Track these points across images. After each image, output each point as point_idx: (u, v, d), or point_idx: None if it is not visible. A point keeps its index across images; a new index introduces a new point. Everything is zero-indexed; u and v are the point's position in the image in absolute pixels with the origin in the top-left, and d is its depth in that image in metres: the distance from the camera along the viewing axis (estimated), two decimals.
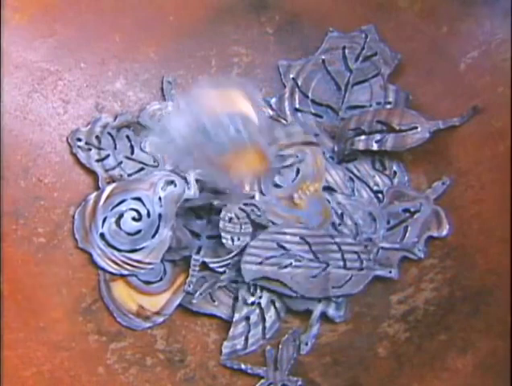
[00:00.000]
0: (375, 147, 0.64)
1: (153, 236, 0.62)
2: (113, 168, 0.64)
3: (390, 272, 0.62)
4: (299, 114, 0.68)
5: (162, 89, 0.67)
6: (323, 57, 0.68)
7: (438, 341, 0.59)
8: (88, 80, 0.66)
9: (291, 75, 0.68)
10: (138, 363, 0.61)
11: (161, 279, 0.63)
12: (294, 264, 0.60)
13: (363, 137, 0.64)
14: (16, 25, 0.62)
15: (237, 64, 0.68)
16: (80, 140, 0.64)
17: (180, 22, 0.67)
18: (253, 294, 0.62)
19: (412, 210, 0.64)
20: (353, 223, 0.64)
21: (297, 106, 0.68)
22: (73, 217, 0.63)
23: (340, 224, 0.64)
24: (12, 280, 0.59)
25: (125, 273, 0.62)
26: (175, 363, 0.62)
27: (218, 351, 0.62)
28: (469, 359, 0.57)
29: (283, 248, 0.61)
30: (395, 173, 0.66)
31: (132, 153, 0.65)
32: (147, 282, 0.63)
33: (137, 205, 0.62)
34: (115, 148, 0.65)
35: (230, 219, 0.61)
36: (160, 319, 0.62)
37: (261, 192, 0.64)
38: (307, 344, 0.62)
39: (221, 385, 0.61)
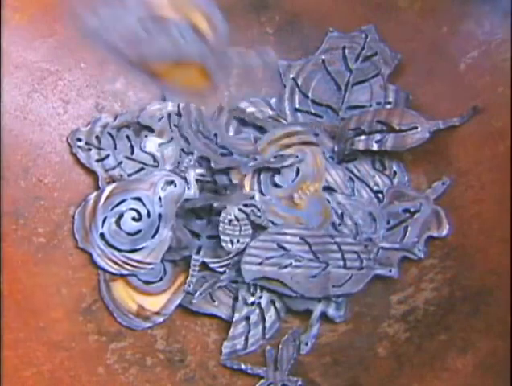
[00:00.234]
0: (375, 147, 0.64)
1: (153, 236, 0.62)
2: (113, 168, 0.64)
3: (390, 271, 0.62)
4: (299, 114, 0.68)
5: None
6: (323, 57, 0.68)
7: (438, 341, 0.59)
8: (88, 80, 0.66)
9: (291, 75, 0.68)
10: (138, 363, 0.61)
11: (161, 279, 0.63)
12: (294, 264, 0.60)
13: (363, 137, 0.64)
14: (16, 25, 0.62)
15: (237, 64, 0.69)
16: (80, 140, 0.64)
17: None
18: (253, 294, 0.62)
19: (412, 210, 0.64)
20: (353, 223, 0.64)
21: (297, 106, 0.68)
22: (73, 217, 0.63)
23: (340, 224, 0.64)
24: (12, 280, 0.59)
25: (125, 272, 0.62)
26: (175, 363, 0.62)
27: (218, 351, 0.62)
28: (469, 359, 0.57)
29: (283, 248, 0.61)
30: (395, 173, 0.66)
31: (132, 153, 0.65)
32: (147, 282, 0.63)
33: (137, 205, 0.62)
34: (115, 148, 0.65)
35: (230, 222, 0.61)
36: (160, 319, 0.62)
37: (261, 192, 0.64)
38: (307, 344, 0.62)
39: (221, 385, 0.61)
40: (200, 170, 0.64)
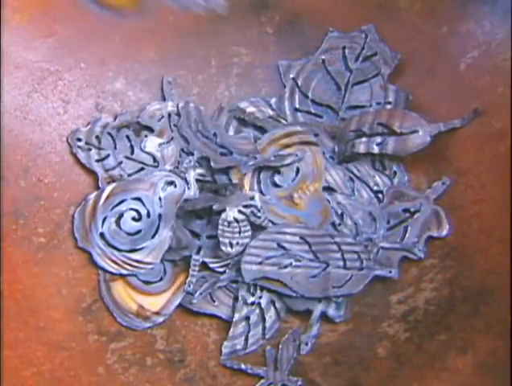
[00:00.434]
0: (376, 150, 0.64)
1: (153, 236, 0.62)
2: (113, 168, 0.64)
3: (390, 271, 0.62)
4: (299, 114, 0.68)
5: (162, 89, 0.67)
6: (323, 57, 0.68)
7: (438, 341, 0.59)
8: (88, 80, 0.66)
9: (291, 75, 0.68)
10: (138, 363, 0.61)
11: (161, 279, 0.63)
12: (294, 264, 0.60)
13: (364, 139, 0.64)
14: (16, 25, 0.62)
15: (237, 64, 0.68)
16: (80, 140, 0.64)
17: (180, 22, 0.67)
18: (253, 294, 0.62)
19: (412, 210, 0.64)
20: (353, 223, 0.64)
21: (297, 106, 0.68)
22: (73, 217, 0.63)
23: (340, 224, 0.64)
24: (12, 280, 0.59)
25: (125, 272, 0.62)
26: (175, 363, 0.62)
27: (218, 351, 0.62)
28: (469, 359, 0.57)
29: (283, 248, 0.61)
30: (395, 173, 0.66)
31: (132, 153, 0.65)
32: (147, 282, 0.63)
33: (137, 205, 0.62)
34: (115, 148, 0.65)
35: (229, 224, 0.61)
36: (160, 319, 0.62)
37: (260, 192, 0.64)
38: (307, 344, 0.62)
39: (221, 385, 0.61)
40: (200, 170, 0.64)
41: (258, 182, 0.64)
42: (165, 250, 0.62)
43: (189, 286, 0.62)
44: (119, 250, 0.62)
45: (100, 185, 0.63)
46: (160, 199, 0.62)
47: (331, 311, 0.62)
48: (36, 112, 0.63)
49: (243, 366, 0.61)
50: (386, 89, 0.67)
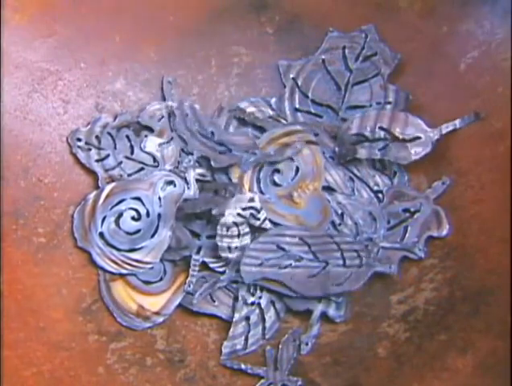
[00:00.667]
0: (378, 156, 0.64)
1: (152, 236, 0.62)
2: (113, 168, 0.64)
3: (390, 267, 0.62)
4: (299, 114, 0.68)
5: (162, 89, 0.67)
6: (323, 57, 0.68)
7: (438, 341, 0.59)
8: (88, 80, 0.66)
9: (291, 75, 0.68)
10: (138, 363, 0.61)
11: (161, 279, 0.63)
12: (293, 264, 0.60)
13: (366, 144, 0.64)
14: (16, 25, 0.62)
15: (237, 64, 0.68)
16: (79, 140, 0.64)
17: (180, 22, 0.67)
18: (253, 294, 0.62)
19: (412, 210, 0.64)
20: (353, 223, 0.64)
21: (297, 106, 0.68)
22: (73, 217, 0.63)
23: (340, 224, 0.64)
24: (12, 280, 0.59)
25: (125, 272, 0.62)
26: (175, 363, 0.62)
27: (218, 351, 0.62)
28: (469, 359, 0.57)
29: (283, 249, 0.61)
30: (395, 173, 0.66)
31: (132, 153, 0.65)
32: (147, 282, 0.63)
33: (136, 205, 0.62)
34: (115, 148, 0.65)
35: (228, 229, 0.61)
36: (160, 319, 0.62)
37: (260, 191, 0.64)
38: (307, 344, 0.62)
39: (221, 385, 0.61)
40: (199, 170, 0.64)
41: (258, 181, 0.64)
42: (164, 250, 0.62)
43: (189, 286, 0.62)
44: (118, 249, 0.62)
45: (100, 185, 0.63)
46: (160, 198, 0.62)
47: (331, 311, 0.62)
48: (36, 112, 0.63)
49: (243, 366, 0.61)
50: (386, 89, 0.67)
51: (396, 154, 0.63)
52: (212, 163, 0.63)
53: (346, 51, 0.68)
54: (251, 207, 0.61)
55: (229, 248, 0.61)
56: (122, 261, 0.62)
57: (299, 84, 0.68)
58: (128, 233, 0.62)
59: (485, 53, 0.63)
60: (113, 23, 0.66)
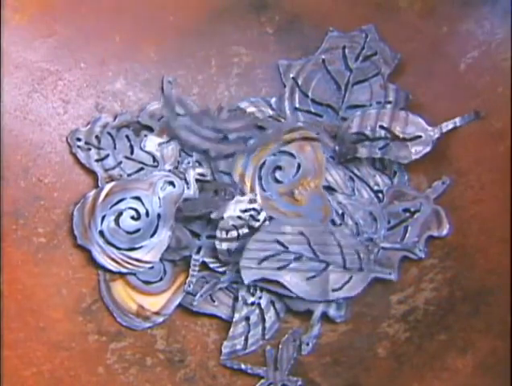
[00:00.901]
0: (379, 155, 0.64)
1: (152, 236, 0.62)
2: (113, 168, 0.64)
3: (390, 273, 0.62)
4: (299, 114, 0.68)
5: (162, 89, 0.67)
6: (323, 57, 0.68)
7: (438, 341, 0.59)
8: (88, 80, 0.66)
9: (291, 75, 0.68)
10: (138, 363, 0.61)
11: (161, 279, 0.63)
12: (293, 264, 0.60)
13: (366, 143, 0.64)
14: (16, 25, 0.62)
15: (237, 64, 0.68)
16: (79, 140, 0.64)
17: (180, 22, 0.67)
18: (253, 295, 0.62)
19: (412, 209, 0.64)
20: (354, 223, 0.64)
21: (297, 106, 0.68)
22: (72, 216, 0.63)
23: (340, 224, 0.64)
24: (12, 280, 0.59)
25: (124, 271, 0.62)
26: (175, 363, 0.62)
27: (218, 351, 0.62)
28: (469, 359, 0.57)
29: (282, 245, 0.60)
30: (395, 173, 0.66)
31: (132, 153, 0.65)
32: (147, 282, 0.63)
33: (136, 204, 0.62)
34: (115, 148, 0.65)
35: (227, 232, 0.61)
36: (160, 319, 0.62)
37: (261, 187, 0.64)
38: (308, 344, 0.62)
39: (221, 385, 0.61)
40: (199, 170, 0.64)
41: (259, 178, 0.64)
42: (164, 249, 0.62)
43: (189, 286, 0.62)
44: (118, 248, 0.62)
45: (99, 185, 0.63)
46: (159, 198, 0.62)
47: (331, 311, 0.62)
48: (36, 112, 0.63)
49: (243, 366, 0.61)
50: (386, 88, 0.67)
51: (396, 153, 0.63)
52: (212, 154, 0.63)
53: (346, 50, 0.68)
54: (251, 209, 0.61)
55: (229, 251, 0.61)
56: (122, 260, 0.62)
57: (299, 83, 0.68)
58: (128, 232, 0.62)
59: (485, 53, 0.63)
60: (113, 23, 0.66)
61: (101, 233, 0.62)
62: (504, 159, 0.60)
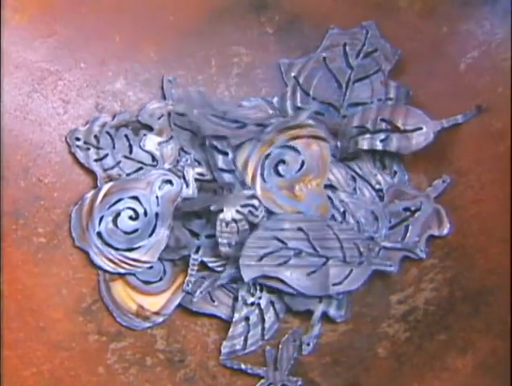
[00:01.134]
0: (380, 147, 0.63)
1: (150, 235, 0.62)
2: (112, 167, 0.64)
3: (391, 265, 0.62)
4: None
5: (162, 89, 0.67)
6: (324, 54, 0.68)
7: (438, 341, 0.59)
8: (88, 80, 0.66)
9: (293, 74, 0.68)
10: (138, 363, 0.61)
11: (161, 279, 0.63)
12: (293, 259, 0.60)
13: (367, 135, 0.64)
14: (16, 25, 0.62)
15: (237, 64, 0.68)
16: (78, 139, 0.64)
17: (180, 22, 0.67)
18: (252, 295, 0.62)
19: (413, 208, 0.64)
20: (356, 221, 0.64)
21: (299, 104, 0.68)
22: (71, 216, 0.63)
23: (342, 222, 0.64)
24: (12, 280, 0.59)
25: (122, 271, 0.62)
26: (175, 363, 0.62)
27: (218, 351, 0.62)
28: (469, 359, 0.57)
29: (281, 241, 0.60)
30: (395, 172, 0.66)
31: (131, 152, 0.65)
32: (147, 282, 0.63)
33: (134, 204, 0.62)
34: (114, 147, 0.65)
35: (227, 224, 0.61)
36: (160, 319, 0.62)
37: (262, 178, 0.64)
38: (308, 344, 0.62)
39: (221, 385, 0.61)
40: (199, 170, 0.64)
41: (262, 168, 0.64)
42: (162, 249, 0.62)
43: (188, 286, 0.62)
44: (116, 249, 0.62)
45: (98, 184, 0.63)
46: (157, 197, 0.62)
47: (332, 311, 0.62)
48: (36, 112, 0.64)
49: (243, 366, 0.61)
50: (386, 85, 0.67)
51: (398, 145, 0.63)
52: (231, 141, 0.63)
53: (347, 47, 0.67)
54: (250, 205, 0.61)
55: (229, 244, 0.61)
56: (120, 261, 0.62)
57: (301, 82, 0.68)
58: (126, 232, 0.62)
59: (485, 53, 0.63)
60: (113, 23, 0.66)
61: (99, 234, 0.62)
62: (504, 159, 0.60)
